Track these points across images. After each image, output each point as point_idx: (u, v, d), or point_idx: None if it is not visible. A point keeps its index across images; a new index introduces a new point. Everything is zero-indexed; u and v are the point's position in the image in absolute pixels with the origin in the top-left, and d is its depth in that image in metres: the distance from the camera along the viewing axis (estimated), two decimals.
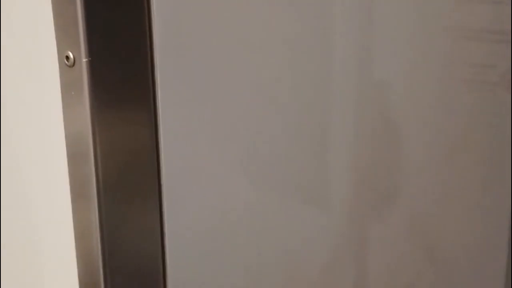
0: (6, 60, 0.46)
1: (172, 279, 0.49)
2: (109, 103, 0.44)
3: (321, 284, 0.64)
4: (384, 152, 0.70)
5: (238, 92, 0.52)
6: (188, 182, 0.49)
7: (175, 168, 0.48)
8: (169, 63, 0.46)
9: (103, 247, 0.44)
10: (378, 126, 0.68)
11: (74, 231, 0.47)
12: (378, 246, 0.70)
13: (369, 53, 0.65)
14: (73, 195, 0.46)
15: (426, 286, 0.79)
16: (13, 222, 0.49)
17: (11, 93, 0.47)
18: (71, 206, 0.46)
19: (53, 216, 0.48)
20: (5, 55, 0.46)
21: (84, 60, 0.42)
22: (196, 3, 0.47)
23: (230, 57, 0.51)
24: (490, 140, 0.89)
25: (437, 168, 0.78)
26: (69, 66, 0.43)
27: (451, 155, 0.81)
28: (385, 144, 0.69)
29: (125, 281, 0.46)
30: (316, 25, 0.59)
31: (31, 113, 0.47)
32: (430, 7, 0.73)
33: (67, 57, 0.43)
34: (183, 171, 0.49)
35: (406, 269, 0.75)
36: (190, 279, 0.50)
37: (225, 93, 0.51)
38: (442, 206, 0.80)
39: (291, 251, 0.60)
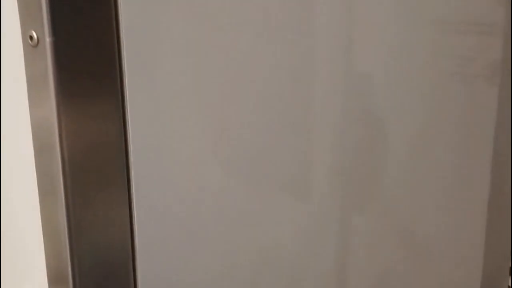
0: None
1: (142, 269, 0.48)
2: (74, 89, 0.42)
3: (297, 272, 0.63)
4: (366, 144, 0.69)
5: (210, 79, 0.51)
6: (158, 172, 0.48)
7: (144, 158, 0.47)
8: (136, 47, 0.45)
9: (71, 239, 0.43)
10: (360, 118, 0.68)
11: (41, 224, 0.46)
12: (357, 237, 0.70)
13: (353, 46, 0.65)
14: (40, 187, 0.45)
15: (402, 272, 0.79)
16: None
17: None
18: (39, 198, 0.45)
19: (20, 208, 0.47)
20: None
21: (48, 39, 0.40)
22: None
23: (202, 41, 0.49)
24: (474, 132, 0.89)
25: (419, 160, 0.78)
26: (33, 46, 0.41)
27: (433, 147, 0.80)
28: (368, 136, 0.69)
29: (94, 271, 0.45)
30: (299, 16, 0.58)
31: None
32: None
33: (31, 37, 0.41)
34: (152, 161, 0.47)
35: (384, 257, 0.75)
36: (160, 268, 0.49)
37: (198, 80, 0.50)
38: (422, 197, 0.80)
39: (266, 240, 0.59)
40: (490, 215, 0.96)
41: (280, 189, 0.59)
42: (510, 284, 1.05)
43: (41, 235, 0.46)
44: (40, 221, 0.46)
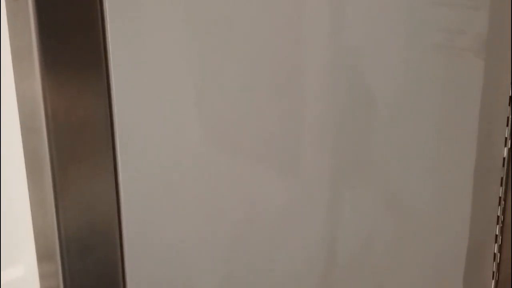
0: None
1: (128, 241, 0.49)
2: (58, 60, 0.43)
3: (283, 243, 0.65)
4: (354, 118, 0.70)
5: (195, 46, 0.52)
6: (144, 147, 0.49)
7: (130, 130, 0.48)
8: (120, 19, 0.46)
9: (58, 215, 0.45)
10: (347, 90, 0.68)
11: (29, 200, 0.47)
12: (347, 211, 0.71)
13: (339, 19, 0.65)
14: (28, 165, 0.47)
15: (389, 238, 0.81)
16: None
17: None
18: (26, 176, 0.47)
19: (7, 185, 0.48)
20: None
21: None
22: None
23: (186, 11, 0.50)
24: (460, 101, 0.90)
25: (405, 129, 0.79)
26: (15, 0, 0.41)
27: (420, 117, 0.82)
28: (355, 108, 0.70)
29: (81, 247, 0.47)
30: None
31: None
32: None
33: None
34: (138, 133, 0.49)
35: (371, 223, 0.77)
36: (146, 239, 0.51)
37: (182, 49, 0.51)
38: (409, 164, 0.81)
39: (254, 214, 0.61)
40: (476, 181, 0.98)
41: (266, 159, 0.60)
42: (495, 251, 1.08)
43: (29, 212, 0.48)
44: (28, 198, 0.48)
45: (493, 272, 1.10)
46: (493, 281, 1.10)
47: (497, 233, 1.08)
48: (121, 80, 0.47)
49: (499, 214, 1.07)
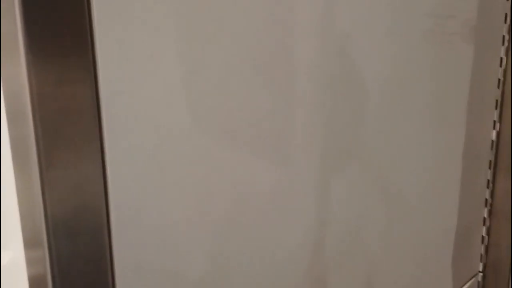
0: None
1: (116, 227, 0.50)
2: (44, 47, 0.43)
3: (274, 229, 0.65)
4: (345, 104, 0.70)
5: (182, 32, 0.52)
6: (131, 130, 0.49)
7: (116, 116, 0.48)
8: (106, 7, 0.46)
9: (45, 202, 0.45)
10: (339, 79, 0.69)
11: (16, 188, 0.47)
12: (337, 197, 0.72)
13: (329, 6, 0.65)
14: (13, 150, 0.46)
15: (379, 223, 0.82)
16: None
17: None
18: (12, 162, 0.47)
19: None
20: None
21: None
22: None
23: None
24: (450, 86, 0.91)
25: (396, 115, 0.79)
26: None
27: (410, 102, 0.82)
28: (347, 97, 0.70)
29: (69, 232, 0.47)
30: None
31: None
32: None
33: None
34: (124, 119, 0.49)
35: (361, 209, 0.77)
36: (134, 226, 0.51)
37: (169, 36, 0.50)
38: (399, 150, 0.82)
39: (244, 199, 0.61)
40: (465, 164, 0.98)
41: (256, 144, 0.60)
42: (484, 234, 1.09)
43: (16, 198, 0.47)
44: (14, 183, 0.48)
45: (481, 255, 1.11)
46: (481, 264, 1.11)
47: (485, 216, 1.09)
48: (108, 64, 0.47)
49: (487, 197, 1.08)
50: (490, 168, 1.06)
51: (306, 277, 0.71)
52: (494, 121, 1.04)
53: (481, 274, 1.11)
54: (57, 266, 0.46)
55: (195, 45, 0.53)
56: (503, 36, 0.99)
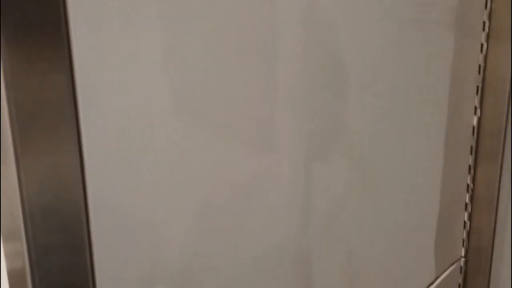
0: None
1: (95, 217, 0.49)
2: (16, 25, 0.42)
3: (255, 212, 0.65)
4: (327, 90, 0.70)
5: (162, 17, 0.51)
6: (108, 121, 0.49)
7: (93, 107, 0.47)
8: None
9: (22, 194, 0.44)
10: (323, 67, 0.68)
11: None
12: (318, 177, 0.72)
13: None
14: None
15: (359, 204, 0.82)
16: None
17: None
18: None
19: None
20: None
21: None
22: None
23: None
24: (431, 75, 0.91)
25: (379, 102, 0.79)
26: None
27: (393, 90, 0.82)
28: (328, 82, 0.70)
29: (47, 223, 0.46)
30: None
31: None
32: None
33: None
34: (102, 110, 0.48)
35: (341, 190, 0.78)
36: (113, 215, 0.50)
37: (148, 23, 0.50)
38: (382, 139, 0.82)
39: (225, 180, 0.61)
40: (447, 150, 0.99)
41: (237, 127, 0.60)
42: (465, 219, 1.10)
43: None
44: None
45: (463, 240, 1.12)
46: (463, 248, 1.12)
47: (467, 202, 1.10)
48: (83, 52, 0.46)
49: (469, 183, 1.09)
50: (471, 153, 1.07)
51: (289, 261, 0.71)
52: (475, 107, 1.04)
53: (463, 259, 1.12)
54: (36, 258, 0.45)
55: (172, 29, 0.52)
56: (484, 22, 1.00)
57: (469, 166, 1.07)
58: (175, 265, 0.57)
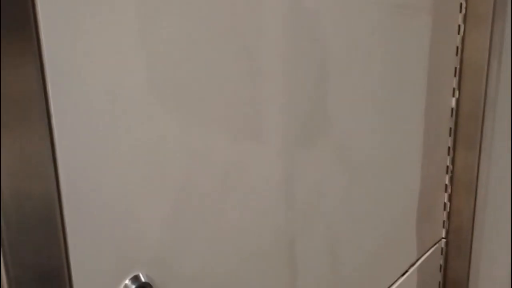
0: None
1: (68, 205, 0.48)
2: None
3: (237, 193, 0.65)
4: (308, 73, 0.69)
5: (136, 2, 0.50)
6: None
7: (64, 93, 0.46)
8: None
9: None
10: (309, 54, 0.68)
11: None
12: (302, 167, 0.71)
13: None
14: None
15: (339, 186, 0.82)
16: None
17: None
18: None
19: None
20: None
21: None
22: None
23: None
24: (409, 59, 0.91)
25: (359, 87, 0.79)
26: None
27: (372, 74, 0.82)
28: (309, 67, 0.69)
29: (21, 222, 0.45)
30: None
31: None
32: None
33: None
34: (72, 94, 0.47)
35: (324, 176, 0.78)
36: (87, 200, 0.50)
37: (123, 12, 0.49)
38: (362, 121, 0.82)
39: (205, 165, 0.60)
40: (426, 132, 0.99)
41: (222, 121, 0.59)
42: (445, 200, 1.10)
43: None
44: None
45: (444, 222, 1.12)
46: (444, 230, 1.13)
47: (446, 183, 1.10)
48: (54, 46, 0.45)
49: (448, 164, 1.09)
50: (450, 135, 1.07)
51: (271, 246, 0.71)
52: (454, 89, 1.04)
53: (444, 240, 1.13)
54: (10, 253, 0.44)
55: (157, 13, 0.51)
56: (461, 4, 1.00)
57: (448, 148, 1.08)
58: (154, 250, 0.56)
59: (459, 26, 1.00)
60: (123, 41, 0.50)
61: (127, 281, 0.53)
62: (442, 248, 1.14)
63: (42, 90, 0.45)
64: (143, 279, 0.54)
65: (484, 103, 1.03)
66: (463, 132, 1.06)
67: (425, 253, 1.09)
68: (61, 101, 0.46)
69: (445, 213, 1.12)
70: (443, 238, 1.13)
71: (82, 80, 0.47)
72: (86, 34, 0.47)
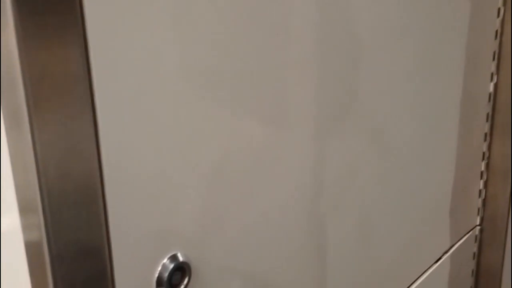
0: None
1: (110, 196, 0.49)
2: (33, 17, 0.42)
3: (271, 175, 0.65)
4: (340, 57, 0.69)
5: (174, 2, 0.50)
6: (123, 93, 0.48)
7: (108, 79, 0.47)
8: None
9: (38, 172, 0.44)
10: (336, 34, 0.67)
11: (9, 155, 0.46)
12: (334, 149, 0.71)
13: None
14: (6, 119, 0.45)
15: (373, 170, 0.81)
16: None
17: None
18: (5, 130, 0.46)
19: None
20: None
21: None
22: None
23: None
24: (447, 44, 0.89)
25: (393, 69, 0.78)
26: None
27: (407, 57, 0.80)
28: (341, 50, 0.69)
29: (63, 200, 0.46)
30: None
31: None
32: None
33: None
34: (116, 82, 0.47)
35: (356, 160, 0.77)
36: (128, 189, 0.50)
37: (164, 3, 0.49)
38: (398, 106, 0.81)
39: (237, 149, 0.60)
40: (462, 116, 0.98)
41: (255, 103, 0.59)
42: (481, 187, 1.09)
43: (10, 165, 0.47)
44: (7, 151, 0.47)
45: (479, 209, 1.11)
46: (479, 217, 1.12)
47: (482, 170, 1.09)
48: (98, 26, 0.45)
49: (484, 151, 1.07)
50: (487, 121, 1.05)
51: (302, 227, 0.71)
52: (492, 73, 1.02)
53: (478, 227, 1.12)
54: (52, 231, 0.45)
55: (192, 5, 0.51)
56: None
57: (485, 133, 1.06)
58: (190, 228, 0.56)
59: (498, 9, 0.98)
60: (163, 25, 0.50)
61: (165, 260, 0.54)
62: (476, 236, 1.12)
63: (86, 70, 0.45)
64: (181, 259, 0.54)
65: None
66: (500, 118, 1.05)
67: (459, 240, 1.07)
68: (104, 81, 0.46)
69: (480, 200, 1.11)
70: (477, 225, 1.12)
71: (125, 61, 0.48)
72: (128, 16, 0.47)
